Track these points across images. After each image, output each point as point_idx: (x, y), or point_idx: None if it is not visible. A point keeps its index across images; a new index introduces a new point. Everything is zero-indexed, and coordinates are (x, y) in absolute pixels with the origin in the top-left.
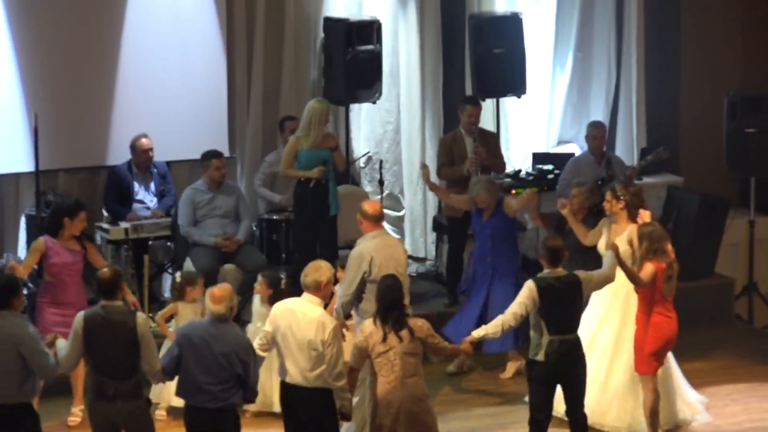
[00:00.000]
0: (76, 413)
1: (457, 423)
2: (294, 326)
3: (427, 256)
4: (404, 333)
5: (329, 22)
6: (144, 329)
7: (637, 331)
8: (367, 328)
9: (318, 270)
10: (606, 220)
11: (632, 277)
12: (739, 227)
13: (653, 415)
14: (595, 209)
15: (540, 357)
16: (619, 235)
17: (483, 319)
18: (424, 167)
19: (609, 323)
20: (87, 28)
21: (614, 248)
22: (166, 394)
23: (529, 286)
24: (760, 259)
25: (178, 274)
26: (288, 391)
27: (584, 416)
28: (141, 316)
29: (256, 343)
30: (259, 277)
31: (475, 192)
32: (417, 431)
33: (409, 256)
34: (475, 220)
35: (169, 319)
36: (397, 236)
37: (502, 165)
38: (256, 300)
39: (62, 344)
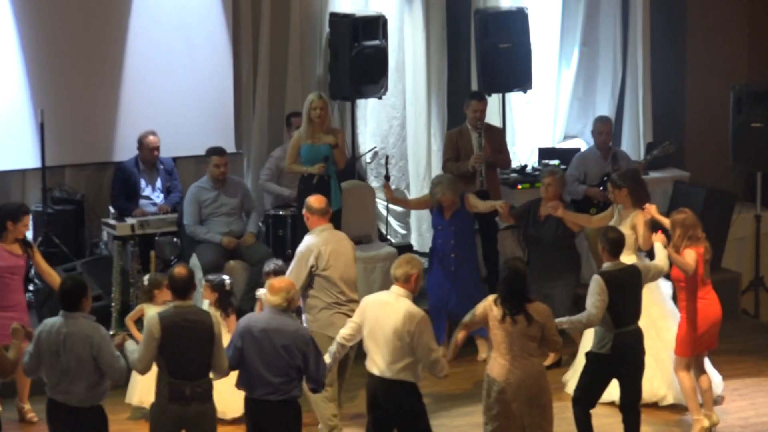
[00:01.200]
0: (29, 408)
1: (462, 419)
2: (382, 318)
3: None
4: (520, 318)
5: (335, 17)
6: (218, 328)
7: (683, 318)
8: (490, 301)
9: (410, 262)
10: (617, 206)
11: (681, 265)
12: (745, 222)
13: (695, 394)
14: (601, 204)
15: (606, 350)
16: (625, 220)
17: (447, 315)
18: (385, 185)
19: None
20: (93, 24)
21: (661, 239)
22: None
23: (597, 281)
24: (766, 254)
25: (146, 278)
26: (373, 383)
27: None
28: (215, 315)
29: (342, 333)
30: (204, 282)
31: (441, 192)
32: (533, 411)
33: (415, 251)
34: (437, 218)
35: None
36: (404, 231)
37: (508, 160)
38: (204, 305)
39: (132, 346)
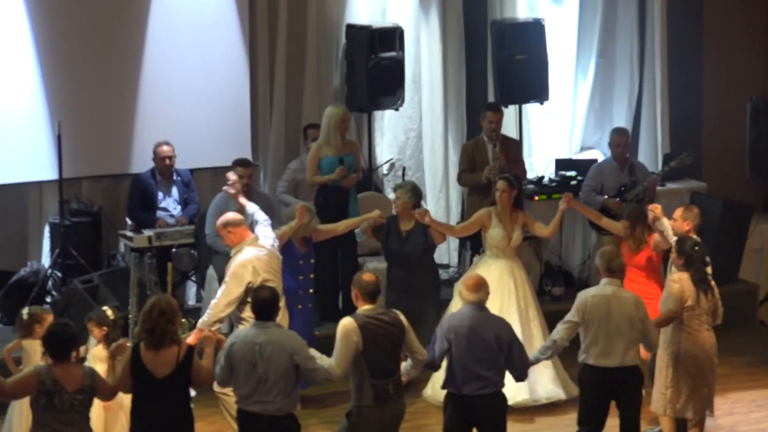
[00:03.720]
0: None
1: None
2: (614, 311)
3: (450, 263)
4: (709, 293)
5: (352, 29)
6: (407, 323)
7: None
8: (685, 281)
9: (620, 254)
10: (487, 210)
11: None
12: (762, 233)
13: None
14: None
15: None
16: (516, 223)
17: None
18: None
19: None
20: (110, 37)
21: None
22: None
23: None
24: None
25: (25, 311)
26: (603, 374)
27: None
28: (399, 312)
29: (562, 335)
30: (87, 323)
31: (314, 220)
32: (708, 382)
33: None
34: (296, 253)
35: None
36: None
37: (523, 173)
38: (92, 342)
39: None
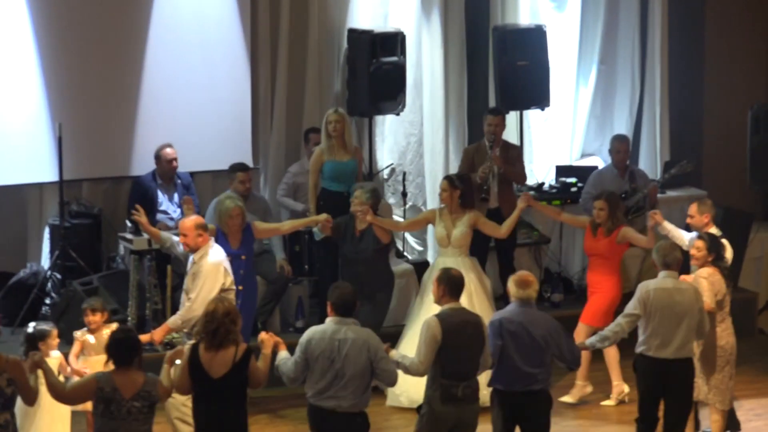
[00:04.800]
0: None
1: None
2: (673, 303)
3: None
4: (731, 284)
5: (353, 33)
6: (485, 326)
7: (606, 291)
8: (713, 275)
9: (677, 248)
10: (434, 209)
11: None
12: (762, 241)
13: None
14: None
15: None
16: (458, 222)
17: None
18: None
19: None
20: (111, 39)
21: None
22: None
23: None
24: None
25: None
26: (659, 366)
27: None
28: (479, 314)
29: (624, 327)
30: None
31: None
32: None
33: None
34: (226, 248)
35: None
36: (421, 248)
37: (523, 176)
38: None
39: (397, 354)
